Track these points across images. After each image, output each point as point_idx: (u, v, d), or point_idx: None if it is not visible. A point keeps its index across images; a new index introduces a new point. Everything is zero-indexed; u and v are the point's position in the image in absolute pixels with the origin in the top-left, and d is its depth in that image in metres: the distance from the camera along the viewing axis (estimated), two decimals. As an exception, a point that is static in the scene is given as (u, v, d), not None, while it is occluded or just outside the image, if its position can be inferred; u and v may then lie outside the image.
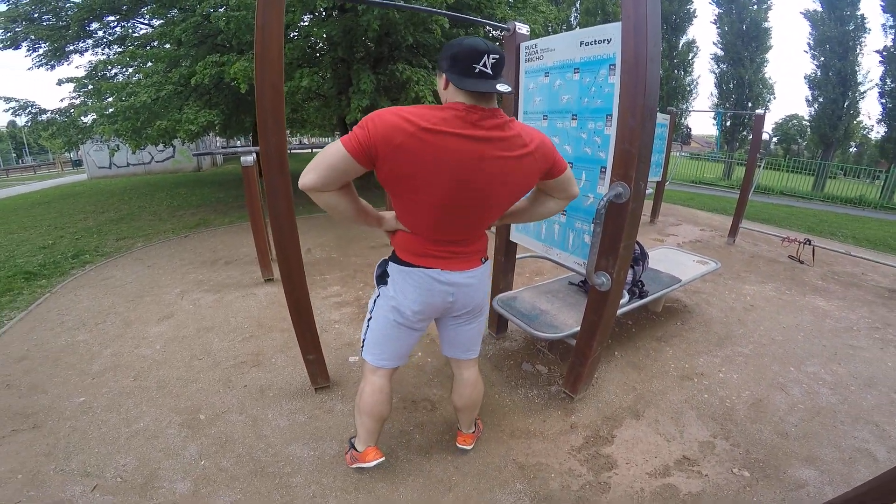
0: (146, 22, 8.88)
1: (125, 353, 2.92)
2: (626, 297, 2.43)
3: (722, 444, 2.04)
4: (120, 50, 8.28)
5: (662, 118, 6.45)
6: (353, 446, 1.82)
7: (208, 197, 9.81)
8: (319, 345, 2.29)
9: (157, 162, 16.67)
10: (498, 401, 2.34)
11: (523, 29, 2.27)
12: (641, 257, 2.80)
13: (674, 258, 3.71)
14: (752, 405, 2.31)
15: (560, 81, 2.08)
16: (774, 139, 22.33)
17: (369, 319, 1.62)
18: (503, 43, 2.38)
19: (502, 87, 1.19)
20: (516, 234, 2.57)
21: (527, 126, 1.34)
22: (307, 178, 1.20)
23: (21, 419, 2.25)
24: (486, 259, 1.56)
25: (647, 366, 2.66)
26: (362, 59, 6.53)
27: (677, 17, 20.11)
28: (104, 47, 9.08)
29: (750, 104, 18.82)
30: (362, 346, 1.65)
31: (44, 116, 7.51)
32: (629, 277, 2.66)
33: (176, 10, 7.15)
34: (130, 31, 8.88)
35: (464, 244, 1.46)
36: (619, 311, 2.58)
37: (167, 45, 6.85)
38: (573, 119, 2.05)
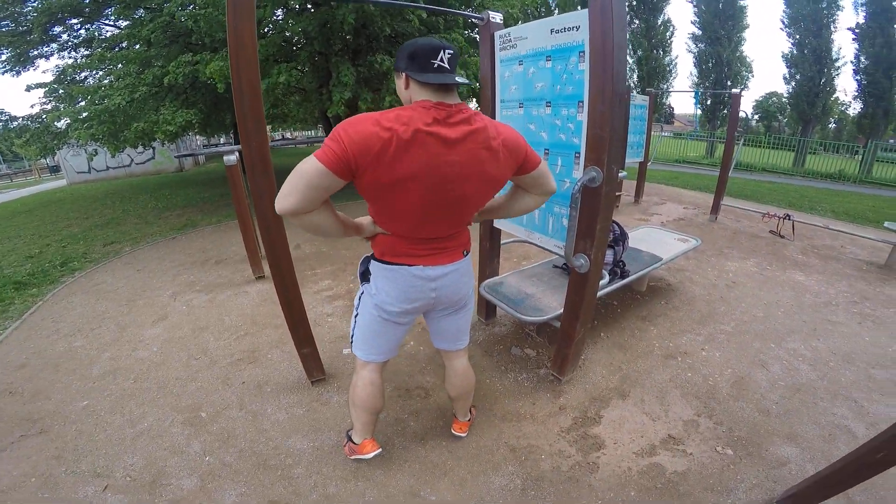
0: (112, 24, 8.67)
1: (123, 357, 2.95)
2: (607, 278, 2.51)
3: (706, 422, 2.12)
4: (87, 53, 8.09)
5: (642, 99, 6.53)
6: (350, 439, 1.88)
7: (193, 197, 9.71)
8: (313, 339, 2.35)
9: (137, 164, 16.33)
10: (489, 385, 2.42)
11: (497, 17, 2.29)
12: (621, 238, 2.88)
13: (656, 237, 3.80)
14: (734, 383, 2.40)
15: (533, 69, 2.12)
16: (755, 117, 22.54)
17: (356, 316, 1.66)
18: (479, 31, 2.41)
19: (460, 79, 1.23)
20: (498, 219, 2.64)
21: (494, 120, 1.38)
22: (287, 202, 1.16)
23: (28, 424, 2.29)
24: (468, 252, 1.57)
25: (633, 346, 2.75)
26: (341, 51, 6.47)
27: None
28: (70, 51, 8.86)
29: (729, 83, 18.96)
30: (351, 341, 1.70)
31: (15, 123, 7.37)
32: (609, 258, 2.75)
33: (142, 11, 7.00)
34: (96, 33, 8.66)
35: (446, 241, 1.47)
36: (601, 292, 2.68)
37: (137, 47, 6.71)
38: (547, 106, 2.10)
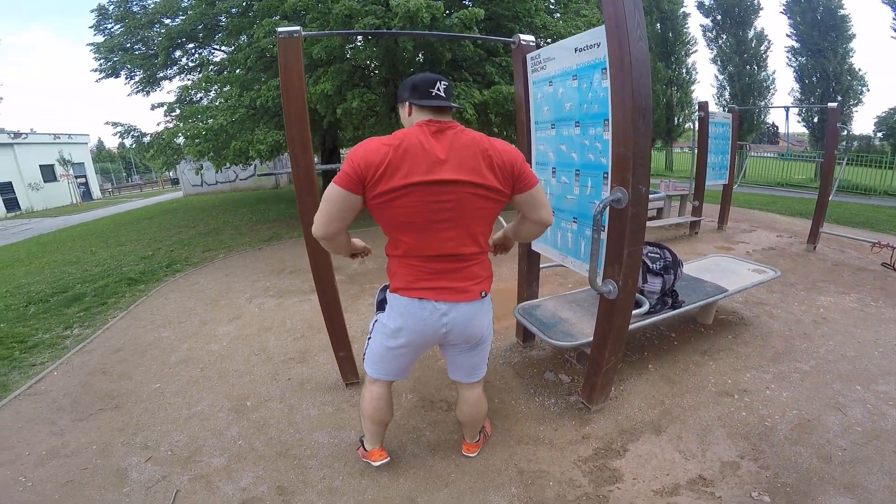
0: (220, 49, 9.76)
1: (198, 348, 3.35)
2: (646, 307, 2.37)
3: (748, 465, 1.92)
4: (199, 76, 9.22)
5: (723, 117, 6.09)
6: (362, 444, 1.99)
7: (283, 212, 10.67)
8: (349, 343, 2.52)
9: (240, 180, 18.36)
10: (513, 407, 2.39)
11: (527, 40, 2.33)
12: (673, 265, 2.70)
13: (726, 266, 3.50)
14: (796, 426, 2.14)
15: (562, 89, 2.11)
16: (879, 135, 19.64)
17: (369, 339, 1.76)
18: (512, 55, 2.45)
19: (454, 104, 1.41)
20: (537, 243, 2.61)
21: (490, 137, 1.45)
22: (322, 229, 1.40)
23: (108, 400, 2.69)
24: (486, 293, 1.57)
25: (683, 380, 2.55)
26: (409, 76, 6.83)
27: (740, 10, 18.55)
28: (187, 73, 10.17)
29: (840, 98, 16.78)
30: (364, 358, 1.79)
31: (145, 139, 8.57)
32: (656, 286, 2.59)
33: (244, 37, 7.80)
34: (208, 57, 9.84)
35: (456, 263, 1.48)
36: (645, 322, 2.55)
37: (237, 71, 7.52)
38: (576, 126, 2.07)
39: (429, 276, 1.47)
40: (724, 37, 19.19)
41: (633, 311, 2.14)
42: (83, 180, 24.61)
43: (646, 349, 2.89)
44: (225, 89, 7.94)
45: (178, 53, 9.65)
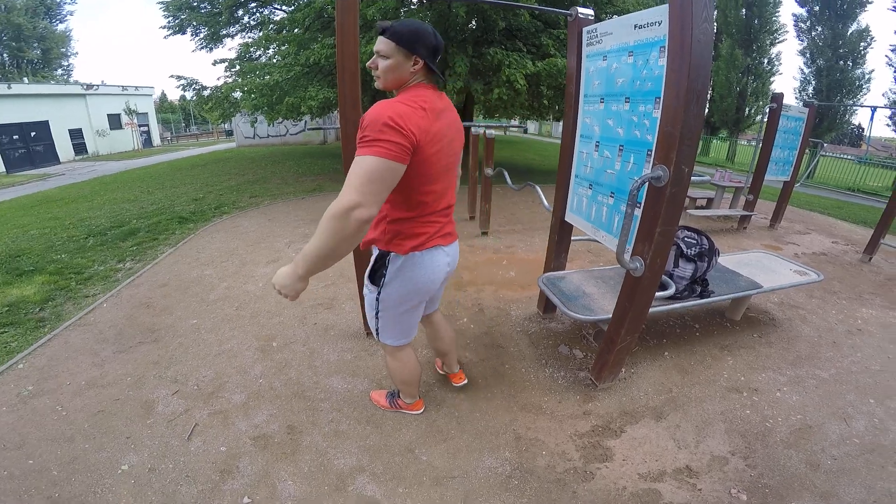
0: (280, 8, 9.97)
1: (236, 287, 3.56)
2: (671, 290, 2.32)
3: (737, 462, 1.90)
4: (260, 34, 9.46)
5: (799, 111, 5.65)
6: (395, 398, 2.11)
7: (327, 167, 10.96)
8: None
9: (291, 135, 19.02)
10: (522, 374, 2.43)
11: (585, 13, 2.26)
12: (709, 253, 2.61)
13: (767, 264, 3.34)
14: (796, 430, 2.09)
15: (616, 65, 2.06)
16: None
17: (377, 314, 1.67)
18: (567, 26, 2.40)
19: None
20: (570, 214, 2.59)
21: None
22: (373, 210, 1.20)
23: (148, 334, 2.90)
24: None
25: (696, 372, 2.51)
26: (462, 41, 6.70)
27: (843, 2, 16.78)
28: (248, 31, 10.45)
29: None
30: (377, 334, 1.74)
31: (205, 92, 8.94)
32: (687, 272, 2.52)
33: None
34: (269, 16, 10.07)
35: (451, 211, 1.66)
36: (668, 307, 2.50)
37: (296, 30, 7.67)
38: (626, 102, 2.03)
39: (441, 226, 1.59)
40: (819, 29, 17.55)
41: (658, 293, 2.11)
42: (145, 129, 26.02)
43: (666, 336, 2.84)
44: (283, 48, 8.11)
45: (240, 12, 9.93)
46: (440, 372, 2.38)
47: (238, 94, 8.32)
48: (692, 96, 1.62)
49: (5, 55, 27.00)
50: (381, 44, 1.37)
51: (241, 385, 2.34)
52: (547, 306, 2.97)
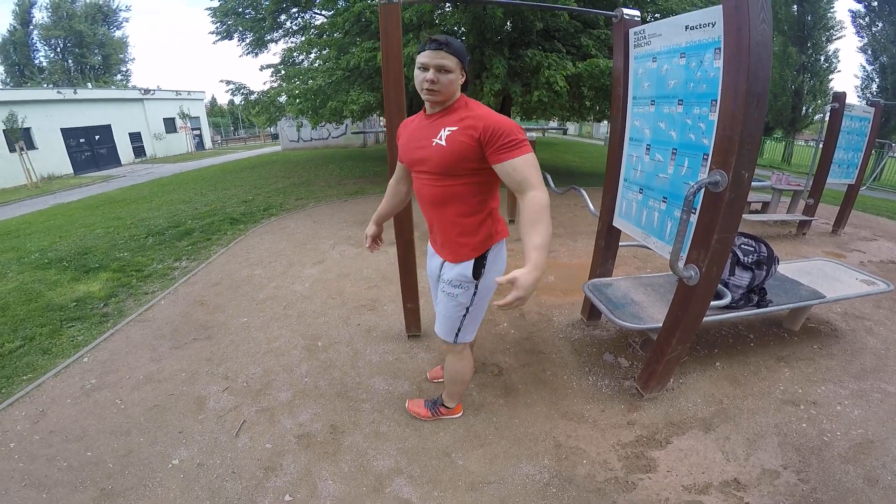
0: (320, 13, 10.16)
1: (284, 287, 3.70)
2: (727, 300, 2.22)
3: (789, 476, 1.80)
4: (302, 39, 9.72)
5: (864, 111, 5.30)
6: (439, 406, 2.11)
7: (368, 170, 11.19)
8: (417, 296, 2.66)
9: (333, 138, 19.55)
10: (564, 381, 2.39)
11: (632, 14, 2.21)
12: (767, 262, 2.47)
13: (830, 272, 3.14)
14: (856, 445, 1.96)
15: (667, 66, 2.00)
16: None
17: (469, 309, 1.69)
18: (612, 29, 2.35)
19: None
20: (619, 219, 2.53)
21: None
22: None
23: (202, 330, 3.04)
24: None
25: (749, 383, 2.39)
26: (498, 43, 6.65)
27: None
28: (291, 36, 10.74)
29: None
30: (457, 335, 1.74)
31: (252, 96, 9.30)
32: (744, 281, 2.41)
33: (342, 1, 8.05)
34: (310, 21, 10.32)
35: None
36: (723, 317, 2.41)
37: (336, 35, 7.82)
38: (679, 104, 1.96)
39: None
40: (880, 24, 16.38)
41: (712, 303, 2.02)
42: (198, 132, 27.37)
43: (717, 346, 2.72)
44: (324, 52, 8.31)
45: (283, 17, 10.22)
46: (434, 380, 2.40)
47: (283, 99, 8.61)
48: (752, 99, 1.55)
49: (70, 61, 29.08)
50: (446, 59, 1.41)
51: (287, 383, 2.42)
52: (591, 313, 2.91)
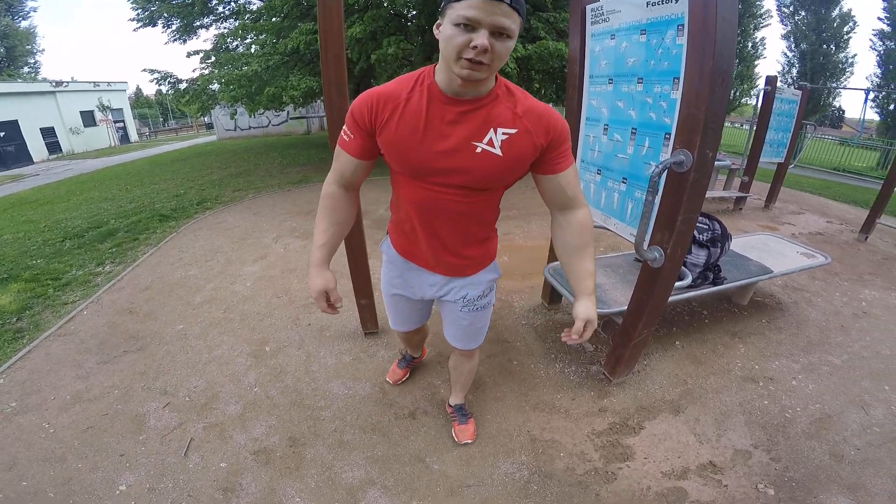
0: None
1: (222, 289, 3.38)
2: (688, 280, 2.23)
3: (760, 455, 1.84)
4: (236, 24, 9.09)
5: (792, 94, 5.66)
6: (465, 409, 1.97)
7: (313, 157, 10.70)
8: (371, 291, 2.48)
9: (273, 126, 18.64)
10: (532, 371, 2.33)
11: None
12: (721, 239, 2.52)
13: (773, 247, 3.28)
14: (816, 420, 2.03)
15: (626, 44, 1.93)
16: None
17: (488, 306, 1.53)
18: (569, 5, 2.26)
19: None
20: (578, 202, 2.47)
21: None
22: None
23: (133, 341, 2.72)
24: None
25: (709, 361, 2.44)
26: None
27: None
28: (223, 21, 10.00)
29: None
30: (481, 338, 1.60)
31: (181, 85, 8.59)
32: (700, 259, 2.43)
33: None
34: (244, 5, 9.65)
35: None
36: (682, 296, 2.41)
37: (273, 19, 7.37)
38: (639, 82, 1.90)
39: None
40: (803, 13, 17.76)
41: (675, 283, 2.00)
42: (121, 125, 25.29)
43: (675, 325, 2.77)
44: (261, 37, 7.81)
45: (214, 1, 9.46)
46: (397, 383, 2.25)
47: (216, 87, 8.01)
48: (718, 77, 1.50)
49: (-33, 54, 25.96)
50: (509, 17, 0.92)
51: (235, 395, 2.20)
52: (552, 297, 2.86)
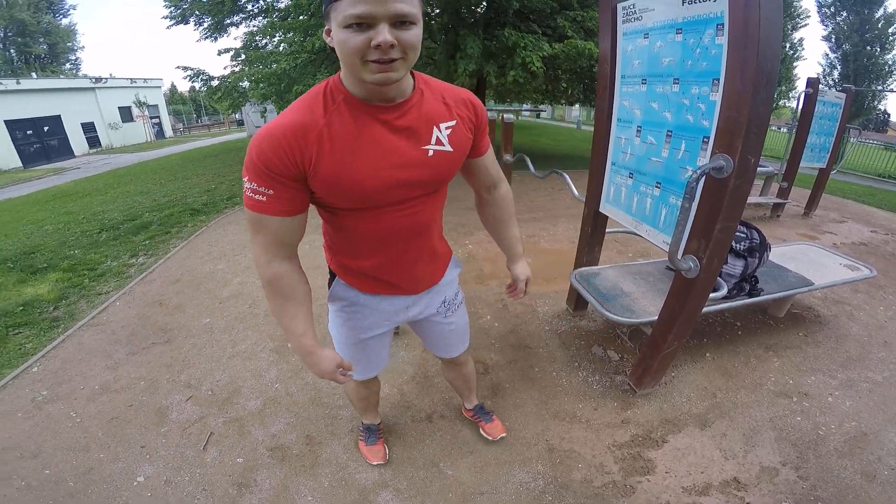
0: None
1: (249, 283, 3.44)
2: (724, 291, 2.13)
3: (788, 473, 1.75)
4: (266, 22, 9.24)
5: (835, 97, 5.39)
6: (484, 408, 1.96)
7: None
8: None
9: (301, 122, 18.94)
10: (554, 379, 2.27)
11: None
12: (760, 248, 2.40)
13: (814, 257, 3.11)
14: (851, 438, 1.92)
15: (661, 43, 1.85)
16: None
17: None
18: (598, 4, 2.19)
19: None
20: (606, 204, 2.40)
21: None
22: None
23: (161, 334, 2.79)
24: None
25: (741, 374, 2.33)
26: (473, 23, 6.44)
27: None
28: (252, 19, 10.18)
29: None
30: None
31: (214, 82, 8.80)
32: (737, 269, 2.32)
33: None
34: (273, 3, 9.81)
35: None
36: (715, 307, 2.31)
37: (301, 17, 7.44)
38: (675, 83, 1.82)
39: None
40: (844, 14, 17.02)
41: (710, 294, 1.92)
42: (157, 120, 26.24)
43: (706, 335, 2.66)
44: (288, 35, 7.92)
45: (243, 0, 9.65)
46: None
47: (246, 84, 8.18)
48: (762, 79, 1.41)
49: (12, 51, 27.34)
50: (406, 3, 0.79)
51: (256, 390, 2.22)
52: (578, 303, 2.79)
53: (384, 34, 0.78)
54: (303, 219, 1.00)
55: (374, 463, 1.77)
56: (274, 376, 2.31)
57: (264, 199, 0.92)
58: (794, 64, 18.52)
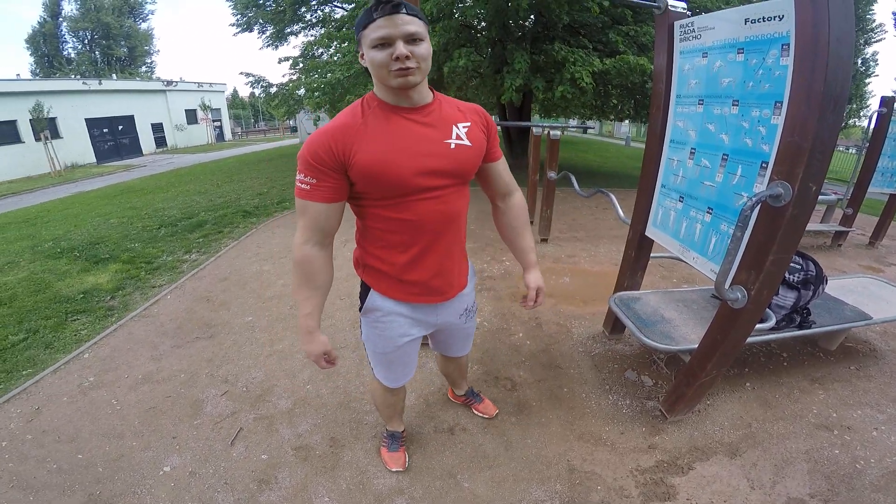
0: (340, 6, 10.12)
1: (291, 286, 3.57)
2: (772, 322, 2.01)
3: None
4: (322, 32, 9.64)
5: (917, 114, 4.95)
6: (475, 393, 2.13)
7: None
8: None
9: (350, 130, 19.51)
10: (582, 400, 2.22)
11: (678, 6, 2.01)
12: (815, 281, 2.26)
13: (875, 291, 2.89)
14: (890, 473, 1.79)
15: (720, 63, 1.79)
16: None
17: None
18: (655, 21, 2.14)
19: None
20: (653, 228, 2.33)
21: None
22: None
23: (205, 329, 2.94)
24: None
25: (781, 405, 2.19)
26: (520, 38, 6.44)
27: None
28: (310, 29, 10.67)
29: None
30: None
31: (272, 89, 9.27)
32: (789, 301, 2.19)
33: None
34: (330, 14, 10.23)
35: None
36: (762, 338, 2.19)
37: None
38: (734, 105, 1.75)
39: None
40: None
41: (756, 326, 1.82)
42: (218, 124, 27.78)
43: (748, 365, 2.51)
44: (343, 45, 8.24)
45: (302, 10, 10.14)
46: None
47: (302, 92, 8.56)
48: (829, 103, 1.33)
49: (97, 53, 29.74)
50: (412, 24, 1.02)
51: (288, 390, 2.30)
52: (615, 326, 2.71)
53: (401, 48, 1.01)
54: (340, 207, 1.17)
55: (394, 469, 1.80)
56: (307, 377, 2.39)
57: (309, 187, 1.11)
58: (867, 80, 17.27)
